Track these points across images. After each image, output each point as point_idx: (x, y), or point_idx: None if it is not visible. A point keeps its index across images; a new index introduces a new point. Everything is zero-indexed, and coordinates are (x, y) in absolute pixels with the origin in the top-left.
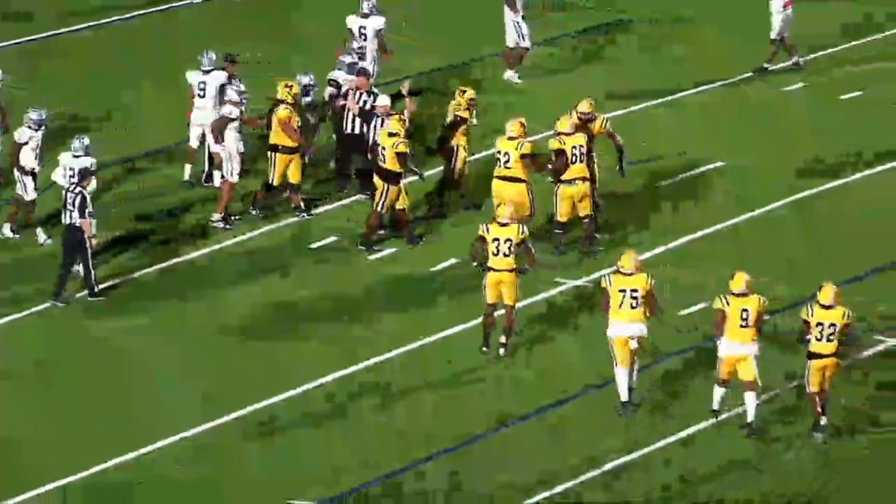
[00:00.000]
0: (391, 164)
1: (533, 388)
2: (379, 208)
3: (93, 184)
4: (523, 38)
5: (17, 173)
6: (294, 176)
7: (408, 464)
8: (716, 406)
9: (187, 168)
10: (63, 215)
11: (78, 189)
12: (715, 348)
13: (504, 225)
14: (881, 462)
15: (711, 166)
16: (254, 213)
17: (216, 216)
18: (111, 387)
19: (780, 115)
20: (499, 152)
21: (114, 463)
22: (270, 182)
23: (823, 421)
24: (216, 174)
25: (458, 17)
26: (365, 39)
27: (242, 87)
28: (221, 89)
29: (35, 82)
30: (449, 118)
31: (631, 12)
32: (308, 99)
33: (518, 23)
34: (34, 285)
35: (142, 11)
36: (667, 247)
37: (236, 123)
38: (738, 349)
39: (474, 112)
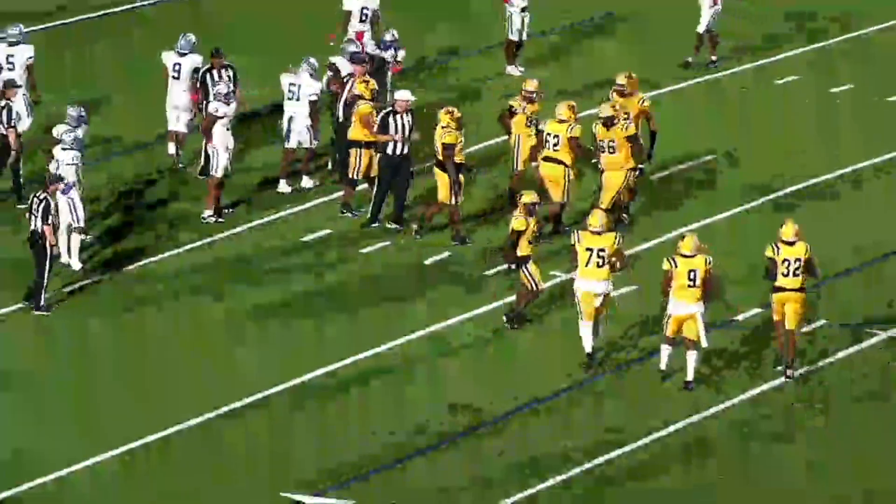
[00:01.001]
0: (444, 156)
1: (525, 378)
2: (454, 201)
3: (71, 175)
4: (512, 31)
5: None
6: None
7: (403, 456)
8: (663, 366)
9: (171, 145)
10: (29, 220)
11: (43, 195)
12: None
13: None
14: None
15: (707, 157)
16: (350, 215)
17: (207, 212)
18: (110, 385)
19: (772, 107)
20: (548, 134)
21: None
22: (353, 178)
23: (789, 367)
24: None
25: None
26: (365, 20)
27: (231, 86)
28: (195, 72)
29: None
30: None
31: (615, 6)
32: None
33: (511, 15)
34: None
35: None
36: (661, 239)
37: (225, 120)
38: (684, 308)
39: (534, 103)
